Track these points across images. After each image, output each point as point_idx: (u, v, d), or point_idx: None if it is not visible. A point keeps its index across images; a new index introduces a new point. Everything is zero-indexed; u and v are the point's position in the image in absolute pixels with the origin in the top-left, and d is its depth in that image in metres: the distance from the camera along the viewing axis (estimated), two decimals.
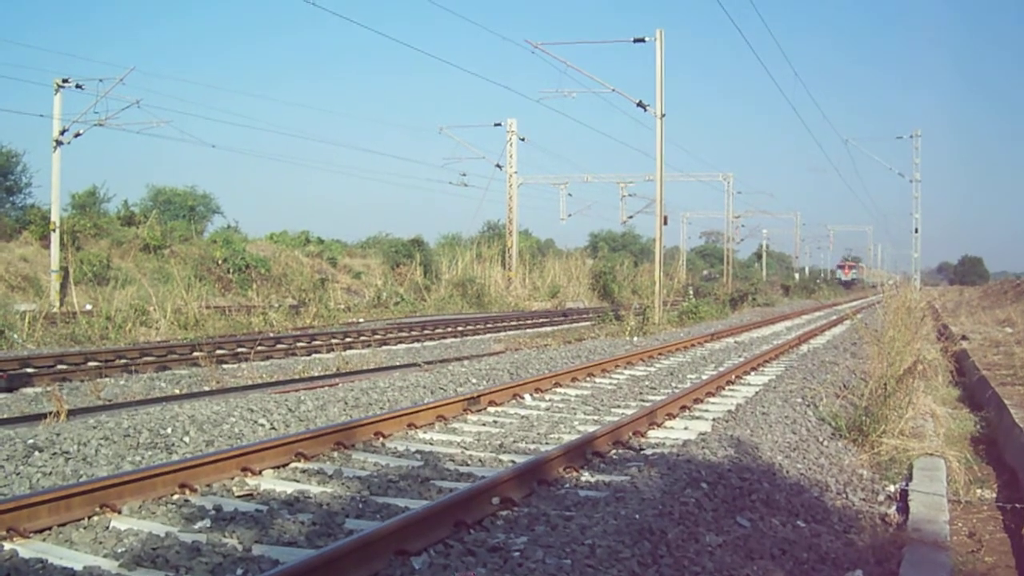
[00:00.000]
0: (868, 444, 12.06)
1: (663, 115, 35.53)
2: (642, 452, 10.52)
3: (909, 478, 10.35)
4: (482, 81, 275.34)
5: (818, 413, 13.57)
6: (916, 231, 60.76)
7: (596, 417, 13.06)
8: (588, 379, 17.28)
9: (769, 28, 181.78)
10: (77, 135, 37.88)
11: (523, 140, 59.69)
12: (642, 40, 35.51)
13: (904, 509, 9.22)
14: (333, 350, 23.80)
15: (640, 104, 36.08)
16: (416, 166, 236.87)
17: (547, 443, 10.92)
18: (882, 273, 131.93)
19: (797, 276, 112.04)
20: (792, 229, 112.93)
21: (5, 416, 13.67)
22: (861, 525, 8.68)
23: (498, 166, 58.34)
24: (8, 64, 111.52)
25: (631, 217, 67.58)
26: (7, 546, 6.57)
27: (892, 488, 10.25)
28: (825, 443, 11.89)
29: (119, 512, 7.52)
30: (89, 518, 7.35)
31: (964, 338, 26.38)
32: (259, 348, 23.01)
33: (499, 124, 58.48)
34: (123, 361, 20.27)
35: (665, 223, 38.44)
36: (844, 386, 15.97)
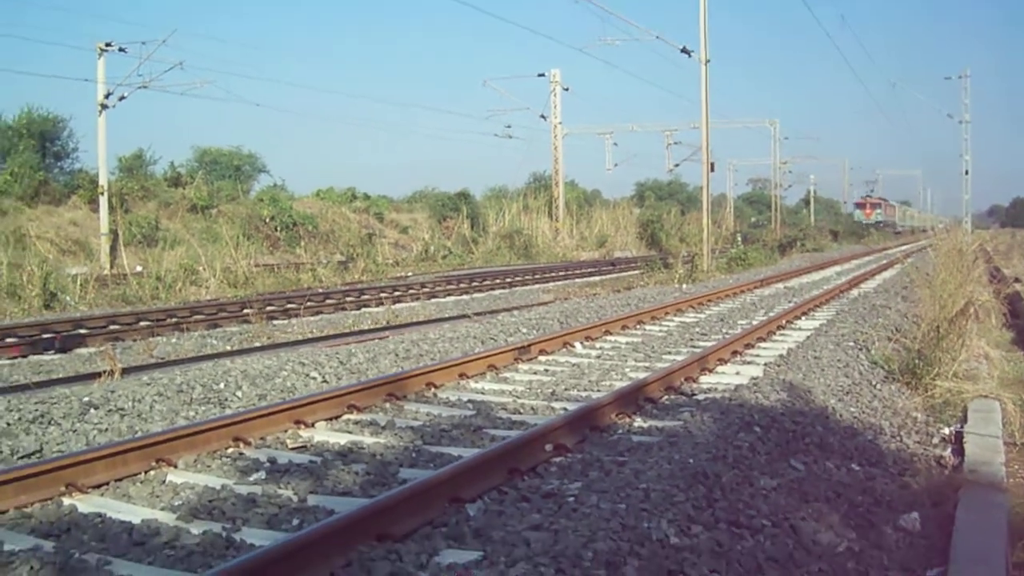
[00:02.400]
0: (921, 387, 11.96)
1: (708, 61, 35.27)
2: (694, 397, 10.48)
3: (964, 420, 10.27)
4: (525, 31, 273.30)
5: (870, 357, 13.48)
6: (966, 173, 60.36)
7: (647, 364, 13.02)
8: (638, 327, 17.24)
9: None
10: (122, 98, 38.16)
11: (567, 90, 59.50)
12: None
13: (959, 451, 9.15)
14: (382, 304, 23.94)
15: (684, 50, 35.79)
16: (461, 119, 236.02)
17: (598, 390, 10.90)
18: (926, 216, 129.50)
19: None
20: (840, 174, 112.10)
21: (60, 376, 13.82)
22: (916, 468, 8.64)
23: (543, 117, 58.24)
24: (51, 29, 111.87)
25: (677, 165, 66.91)
26: (66, 501, 6.65)
27: (947, 431, 10.19)
28: (878, 386, 11.82)
29: (175, 466, 7.58)
30: (145, 473, 7.42)
31: (1017, 280, 26.12)
32: (309, 304, 23.10)
33: (543, 75, 58.35)
34: (174, 320, 20.45)
35: (712, 170, 38.24)
36: (896, 329, 15.87)
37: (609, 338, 15.64)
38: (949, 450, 9.47)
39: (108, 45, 37.40)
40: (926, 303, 14.49)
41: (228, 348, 16.79)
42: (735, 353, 13.57)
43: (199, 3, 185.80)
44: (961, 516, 6.84)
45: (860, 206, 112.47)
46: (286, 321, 20.92)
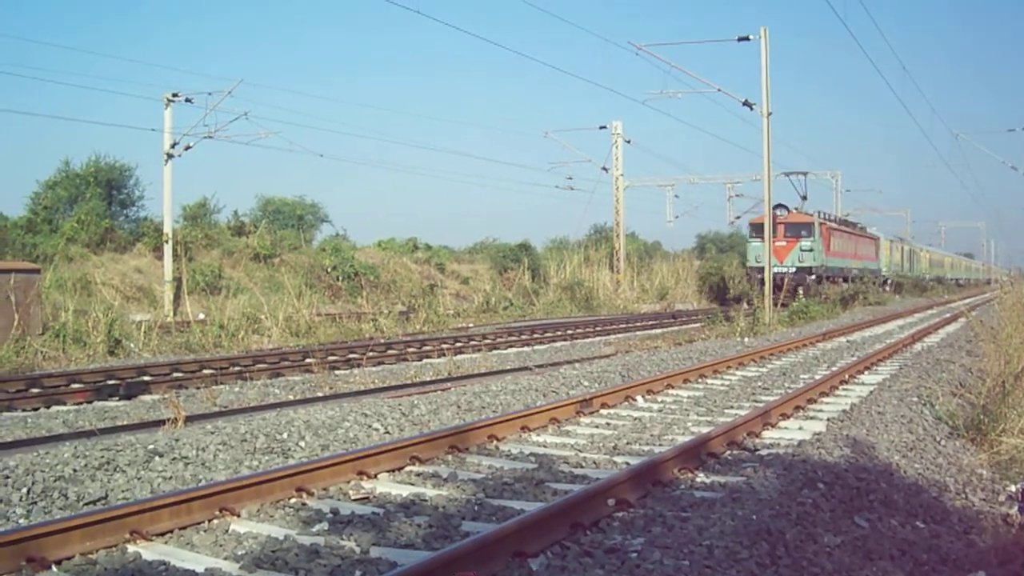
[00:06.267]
0: (987, 443, 11.82)
1: (770, 113, 35.22)
2: (757, 452, 10.43)
3: None
4: (587, 84, 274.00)
5: (934, 412, 13.35)
6: None
7: (709, 418, 12.98)
8: (700, 380, 17.18)
9: (875, 21, 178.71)
10: (187, 148, 38.56)
11: (628, 142, 59.60)
12: (747, 39, 35.22)
13: None
14: (444, 355, 23.97)
15: (746, 103, 35.76)
16: (522, 171, 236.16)
17: (661, 444, 10.89)
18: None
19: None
20: (902, 227, 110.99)
21: (125, 423, 13.96)
22: (982, 526, 8.53)
23: (604, 169, 58.30)
24: (120, 80, 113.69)
25: (738, 218, 66.62)
26: (131, 548, 6.74)
27: (1013, 488, 10.06)
28: (942, 442, 11.70)
29: (238, 515, 7.66)
30: (209, 521, 7.51)
31: None
32: (370, 354, 23.21)
33: (604, 127, 58.54)
34: (237, 368, 20.58)
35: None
36: (960, 384, 15.70)
37: (671, 392, 15.60)
38: (1016, 508, 9.34)
39: (175, 95, 37.89)
40: (991, 358, 14.35)
41: (291, 397, 16.87)
42: (798, 408, 13.50)
43: (266, 55, 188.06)
44: None
45: (756, 230, 51.70)
46: (348, 371, 21.00)
